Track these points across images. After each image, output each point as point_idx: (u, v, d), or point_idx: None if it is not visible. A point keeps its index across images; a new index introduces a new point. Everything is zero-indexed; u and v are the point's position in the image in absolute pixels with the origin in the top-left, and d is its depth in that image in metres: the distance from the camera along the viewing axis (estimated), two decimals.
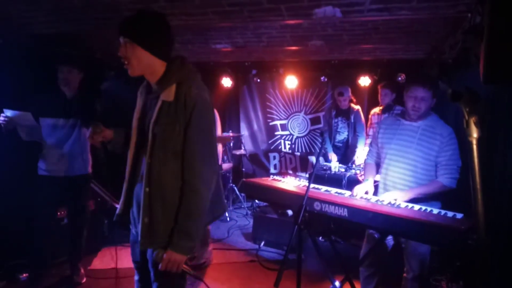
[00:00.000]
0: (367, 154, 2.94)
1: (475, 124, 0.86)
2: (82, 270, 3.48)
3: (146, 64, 1.63)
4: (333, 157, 4.83)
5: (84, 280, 3.41)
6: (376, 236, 2.67)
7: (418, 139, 2.44)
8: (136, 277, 1.93)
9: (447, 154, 2.38)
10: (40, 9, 2.82)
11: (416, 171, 2.46)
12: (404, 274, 2.84)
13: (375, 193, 2.70)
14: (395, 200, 2.38)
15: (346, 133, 4.93)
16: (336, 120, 4.98)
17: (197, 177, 1.62)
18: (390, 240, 2.68)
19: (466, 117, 0.87)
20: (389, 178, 2.59)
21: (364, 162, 2.99)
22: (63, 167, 3.14)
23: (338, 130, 4.98)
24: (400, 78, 4.74)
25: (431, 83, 2.42)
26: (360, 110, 4.97)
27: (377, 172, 2.78)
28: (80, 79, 3.17)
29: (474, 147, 0.87)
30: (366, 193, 2.59)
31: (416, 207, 2.28)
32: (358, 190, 2.55)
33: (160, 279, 1.70)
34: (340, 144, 5.01)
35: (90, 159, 3.37)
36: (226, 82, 5.85)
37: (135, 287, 1.94)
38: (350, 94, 4.85)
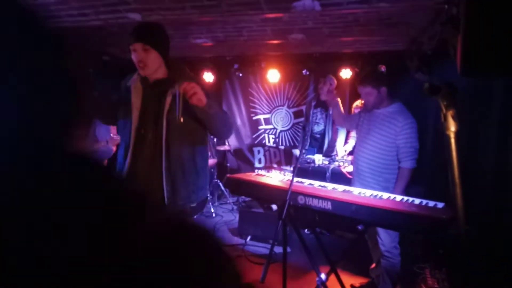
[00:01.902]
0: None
1: (453, 117, 0.86)
2: None
3: (158, 64, 1.98)
4: (318, 159, 4.83)
5: None
6: (359, 227, 2.72)
7: (379, 124, 2.76)
8: None
9: (403, 137, 2.68)
10: None
11: (377, 151, 2.75)
12: (373, 266, 2.98)
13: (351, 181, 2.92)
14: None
15: (323, 124, 4.96)
16: (315, 111, 5.00)
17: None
18: None
19: (444, 111, 0.87)
20: (358, 162, 2.89)
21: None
22: None
23: (317, 121, 5.00)
24: (382, 70, 4.78)
25: (369, 79, 2.79)
26: (340, 102, 4.99)
27: None
28: None
29: (452, 140, 0.87)
30: None
31: (398, 197, 2.31)
32: None
33: None
34: (318, 135, 5.04)
35: None
36: (208, 77, 5.79)
37: None
38: (334, 83, 4.87)
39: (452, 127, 0.87)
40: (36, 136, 0.54)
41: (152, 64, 1.93)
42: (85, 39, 3.79)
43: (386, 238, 2.78)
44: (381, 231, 2.78)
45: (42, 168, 0.50)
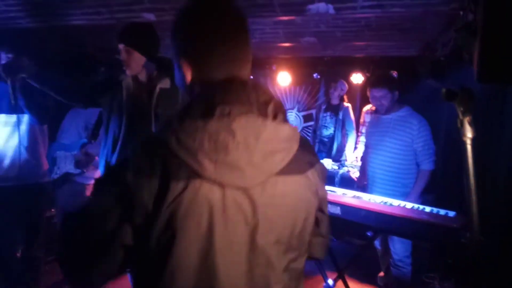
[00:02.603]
0: (363, 153, 3.19)
1: (469, 123, 0.85)
2: None
3: (142, 65, 2.08)
4: (328, 163, 4.82)
5: None
6: (368, 234, 2.69)
7: (392, 129, 2.74)
8: None
9: (421, 140, 2.66)
10: (28, 3, 2.76)
11: (393, 157, 2.72)
12: (381, 274, 2.94)
13: (366, 188, 2.86)
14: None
15: (332, 128, 4.92)
16: (324, 115, 4.96)
17: None
18: None
19: (460, 117, 0.86)
20: (373, 167, 2.85)
21: (362, 159, 3.21)
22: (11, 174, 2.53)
23: (326, 125, 4.96)
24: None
25: (384, 81, 2.75)
26: (350, 107, 4.96)
27: None
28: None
29: (468, 147, 0.85)
30: None
31: (409, 205, 2.28)
32: None
33: None
34: (326, 139, 5.00)
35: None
36: None
37: None
38: (345, 88, 4.86)
39: (468, 133, 0.85)
40: None
41: (135, 65, 2.03)
42: (97, 38, 3.83)
43: (400, 247, 2.75)
44: (395, 240, 2.75)
45: None
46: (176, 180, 0.73)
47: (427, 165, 2.69)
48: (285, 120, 0.83)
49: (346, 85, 4.88)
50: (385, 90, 2.72)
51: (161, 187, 0.73)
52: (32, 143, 2.62)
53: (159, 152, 0.75)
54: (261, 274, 0.79)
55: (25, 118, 2.55)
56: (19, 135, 2.51)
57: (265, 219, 0.78)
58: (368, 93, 4.71)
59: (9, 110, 2.46)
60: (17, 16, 2.97)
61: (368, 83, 3.77)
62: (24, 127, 2.56)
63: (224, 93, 0.79)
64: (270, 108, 0.80)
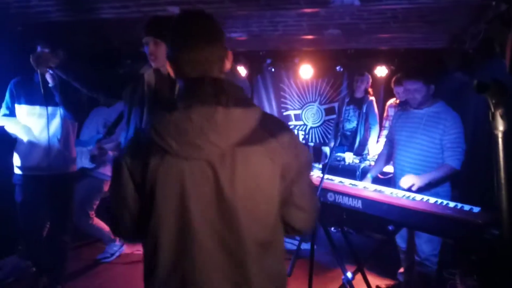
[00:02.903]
0: (384, 145, 3.05)
1: (502, 117, 0.83)
2: None
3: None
4: (348, 156, 4.78)
5: None
6: (390, 228, 2.67)
7: (424, 125, 2.59)
8: None
9: (452, 137, 2.52)
10: None
11: (424, 154, 2.58)
12: (401, 269, 2.88)
13: (390, 182, 2.78)
14: (412, 185, 2.46)
15: (355, 122, 4.86)
16: (347, 108, 4.90)
17: None
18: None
19: (492, 110, 0.84)
20: (401, 164, 2.72)
21: (379, 153, 3.09)
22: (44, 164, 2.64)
23: (349, 118, 4.91)
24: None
25: (419, 74, 2.58)
26: (374, 101, 4.88)
27: (389, 162, 2.98)
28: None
29: (500, 140, 0.84)
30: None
31: (432, 199, 2.25)
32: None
33: None
34: (349, 133, 4.94)
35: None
36: (240, 71, 5.82)
37: None
38: (369, 81, 4.80)
39: (500, 126, 0.84)
40: None
41: (162, 57, 2.01)
42: (124, 31, 3.91)
43: (428, 246, 2.65)
44: (423, 238, 2.64)
45: None
46: (154, 158, 1.02)
47: (452, 162, 2.52)
48: (238, 105, 1.04)
49: (370, 78, 4.81)
50: (420, 82, 2.54)
51: (145, 164, 1.03)
52: (64, 135, 2.74)
53: (143, 141, 1.07)
54: (229, 219, 1.03)
55: (59, 111, 2.65)
56: (53, 127, 2.65)
57: (229, 179, 1.02)
58: (393, 86, 4.64)
59: (43, 102, 2.53)
60: (47, 10, 3.06)
61: (401, 75, 3.66)
62: (57, 120, 2.67)
63: (191, 89, 1.07)
64: (223, 98, 1.02)
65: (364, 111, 4.74)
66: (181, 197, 1.02)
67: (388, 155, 2.97)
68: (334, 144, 3.22)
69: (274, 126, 1.09)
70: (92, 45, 4.18)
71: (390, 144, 2.94)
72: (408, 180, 2.49)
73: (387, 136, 3.07)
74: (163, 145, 1.01)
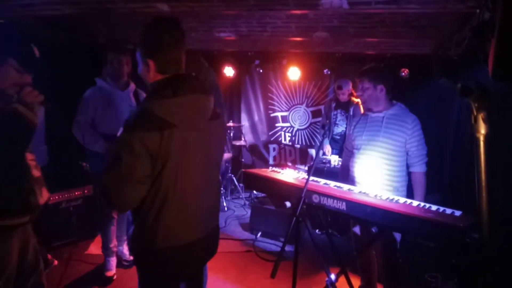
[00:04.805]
0: (343, 157, 3.04)
1: (484, 120, 0.84)
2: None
3: None
4: (327, 149, 4.84)
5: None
6: (373, 230, 2.68)
7: (384, 127, 2.60)
8: None
9: (416, 141, 2.55)
10: None
11: (386, 158, 2.58)
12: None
13: None
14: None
15: (344, 125, 4.91)
16: (335, 113, 4.95)
17: None
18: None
19: (475, 113, 0.85)
20: (361, 173, 2.69)
21: (341, 167, 3.06)
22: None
23: (337, 122, 4.95)
24: (403, 74, 4.72)
25: (366, 74, 2.65)
26: (360, 103, 4.93)
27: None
28: None
29: (481, 143, 0.85)
30: None
31: (415, 202, 2.27)
32: None
33: None
34: (338, 137, 4.98)
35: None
36: (228, 71, 5.81)
37: None
38: (350, 87, 4.82)
39: (482, 129, 0.85)
40: None
41: None
42: (110, 27, 3.84)
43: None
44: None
45: None
46: (165, 131, 1.41)
47: (420, 167, 2.57)
48: (211, 94, 1.63)
49: (349, 82, 4.85)
50: (366, 82, 2.61)
51: (160, 135, 1.40)
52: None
53: (153, 118, 1.41)
54: (211, 171, 1.70)
55: None
56: None
57: (210, 142, 1.62)
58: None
59: None
60: (32, 3, 2.99)
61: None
62: None
63: (179, 82, 1.51)
64: (207, 89, 1.61)
65: (351, 113, 4.79)
66: (182, 154, 1.48)
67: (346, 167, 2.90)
68: (320, 146, 3.19)
69: (220, 107, 1.74)
70: (77, 41, 4.11)
71: (349, 154, 2.87)
72: None
73: (346, 146, 2.98)
74: (170, 120, 1.42)
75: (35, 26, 3.48)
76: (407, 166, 2.64)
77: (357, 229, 2.87)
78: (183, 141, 1.46)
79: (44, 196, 1.99)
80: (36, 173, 1.97)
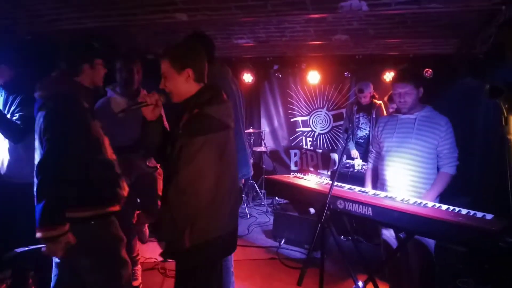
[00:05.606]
0: (368, 159, 2.97)
1: None
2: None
3: None
4: (355, 153, 4.75)
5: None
6: (401, 236, 2.61)
7: (417, 129, 2.52)
8: None
9: (448, 143, 2.47)
10: (67, 5, 2.87)
11: (418, 160, 2.50)
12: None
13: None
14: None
15: (368, 129, 4.82)
16: (357, 116, 4.87)
17: None
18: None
19: (505, 114, 0.82)
20: (392, 176, 2.61)
21: (367, 168, 3.00)
22: None
23: (360, 126, 4.87)
24: (426, 74, 4.61)
25: (409, 77, 2.53)
26: (383, 105, 4.84)
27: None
28: None
29: None
30: None
31: (444, 206, 2.20)
32: None
33: None
34: (362, 141, 4.89)
35: None
36: (247, 77, 5.83)
37: None
38: (371, 90, 4.74)
39: None
40: None
41: None
42: (132, 38, 3.93)
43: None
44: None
45: None
46: (224, 129, 1.75)
47: (450, 169, 2.49)
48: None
49: (370, 84, 4.77)
50: (410, 85, 2.50)
51: (225, 134, 1.76)
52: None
53: (214, 121, 1.70)
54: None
55: None
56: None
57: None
58: (388, 103, 4.58)
59: None
60: (58, 18, 3.10)
61: (392, 79, 3.59)
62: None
63: (218, 89, 1.83)
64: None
65: (374, 116, 4.70)
66: (227, 148, 1.78)
67: (376, 169, 2.82)
68: (343, 151, 3.14)
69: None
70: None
71: (377, 156, 2.81)
72: None
73: (372, 148, 2.90)
74: (225, 121, 1.74)
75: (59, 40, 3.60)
76: (438, 169, 2.56)
77: (386, 236, 2.80)
78: (231, 138, 1.81)
79: (125, 188, 2.16)
80: (117, 168, 2.13)
